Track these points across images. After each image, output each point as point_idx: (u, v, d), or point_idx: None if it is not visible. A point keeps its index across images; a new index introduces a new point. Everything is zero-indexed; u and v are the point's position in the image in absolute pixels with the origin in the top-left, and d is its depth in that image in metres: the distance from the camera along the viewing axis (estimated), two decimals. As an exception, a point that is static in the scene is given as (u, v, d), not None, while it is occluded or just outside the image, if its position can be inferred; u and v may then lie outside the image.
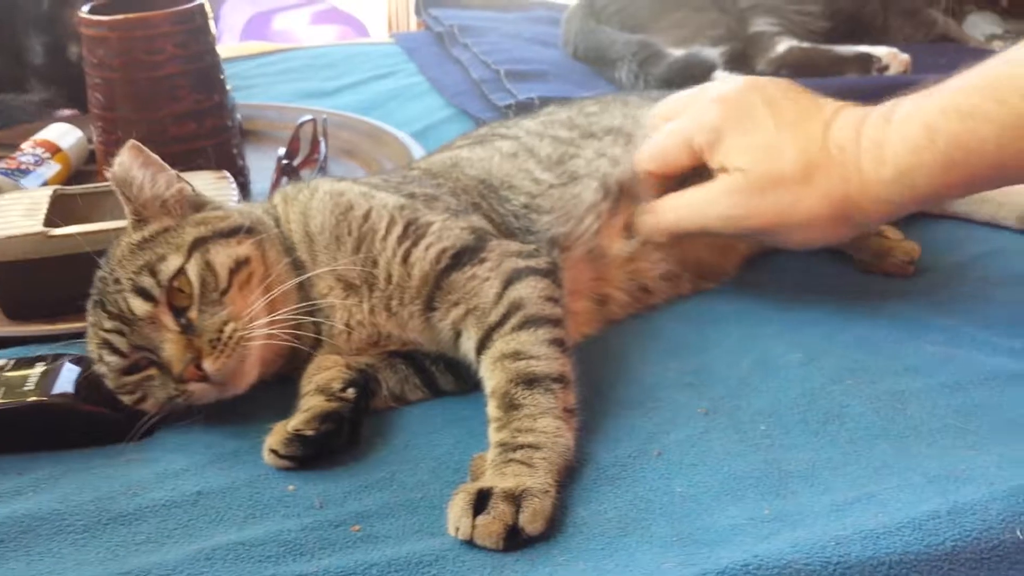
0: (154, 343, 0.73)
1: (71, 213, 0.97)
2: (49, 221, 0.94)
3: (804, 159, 0.80)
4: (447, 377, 0.80)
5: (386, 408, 0.79)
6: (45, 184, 1.18)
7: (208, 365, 0.72)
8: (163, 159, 1.11)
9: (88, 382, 0.76)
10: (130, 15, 1.13)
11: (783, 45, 1.63)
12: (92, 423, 0.75)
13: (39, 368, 0.77)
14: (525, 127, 1.02)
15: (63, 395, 0.74)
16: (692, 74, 1.47)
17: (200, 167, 1.10)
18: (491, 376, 0.73)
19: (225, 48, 1.28)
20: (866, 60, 1.56)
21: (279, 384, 0.80)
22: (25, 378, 0.75)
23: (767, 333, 0.87)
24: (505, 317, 0.75)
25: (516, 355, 0.73)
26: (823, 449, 0.72)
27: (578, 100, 1.16)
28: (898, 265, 0.97)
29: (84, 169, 1.28)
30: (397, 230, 0.80)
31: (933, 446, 0.72)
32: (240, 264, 0.76)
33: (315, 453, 0.71)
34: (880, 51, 1.57)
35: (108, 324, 0.74)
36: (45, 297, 0.93)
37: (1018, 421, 0.74)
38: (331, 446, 0.72)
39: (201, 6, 1.17)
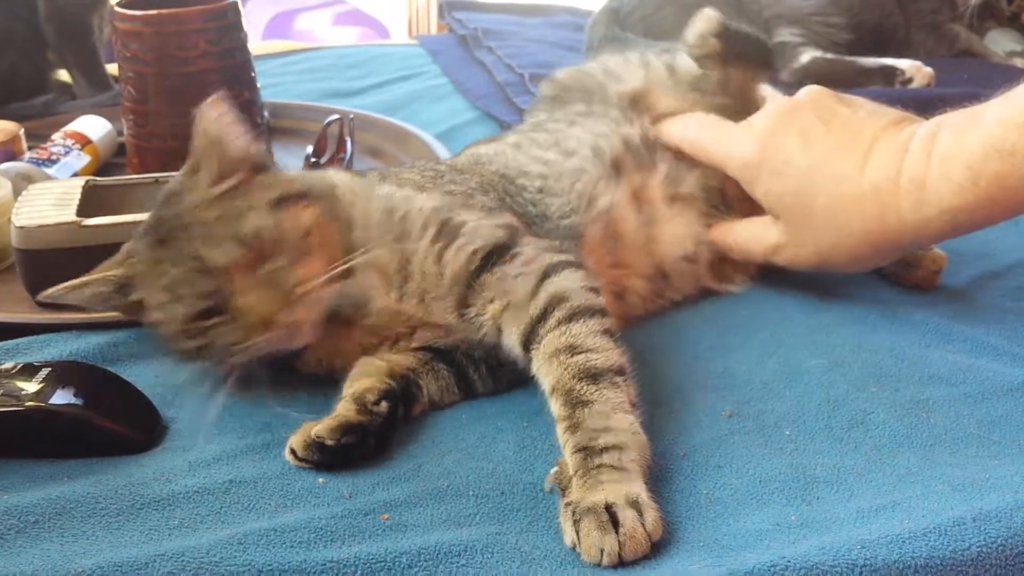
0: (231, 291, 0.73)
1: (102, 204, 0.99)
2: (82, 211, 0.95)
3: (838, 202, 0.82)
4: (487, 383, 0.81)
5: (421, 413, 0.79)
6: (75, 175, 1.19)
7: (282, 317, 0.73)
8: (194, 154, 1.15)
9: (97, 392, 0.76)
10: (163, 10, 1.15)
11: (807, 56, 1.64)
12: (95, 434, 0.74)
13: (43, 374, 0.76)
14: (520, 127, 1.06)
15: (65, 404, 0.73)
16: None
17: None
18: (548, 372, 0.72)
19: (251, 46, 1.29)
20: (890, 72, 1.57)
21: (313, 378, 0.82)
22: (27, 383, 0.75)
23: (791, 338, 0.88)
24: (547, 310, 0.75)
25: (572, 349, 0.72)
26: (848, 455, 0.72)
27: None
28: (925, 277, 0.97)
29: (113, 162, 1.30)
30: (431, 232, 0.81)
31: (957, 455, 0.72)
32: (308, 228, 0.77)
33: (333, 461, 0.71)
34: (904, 64, 1.58)
35: (176, 271, 0.74)
36: (76, 286, 0.94)
37: (1042, 433, 0.74)
38: (352, 456, 0.72)
39: (234, 4, 1.18)
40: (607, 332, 0.74)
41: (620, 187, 0.92)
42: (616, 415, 0.68)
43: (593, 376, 0.70)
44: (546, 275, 0.77)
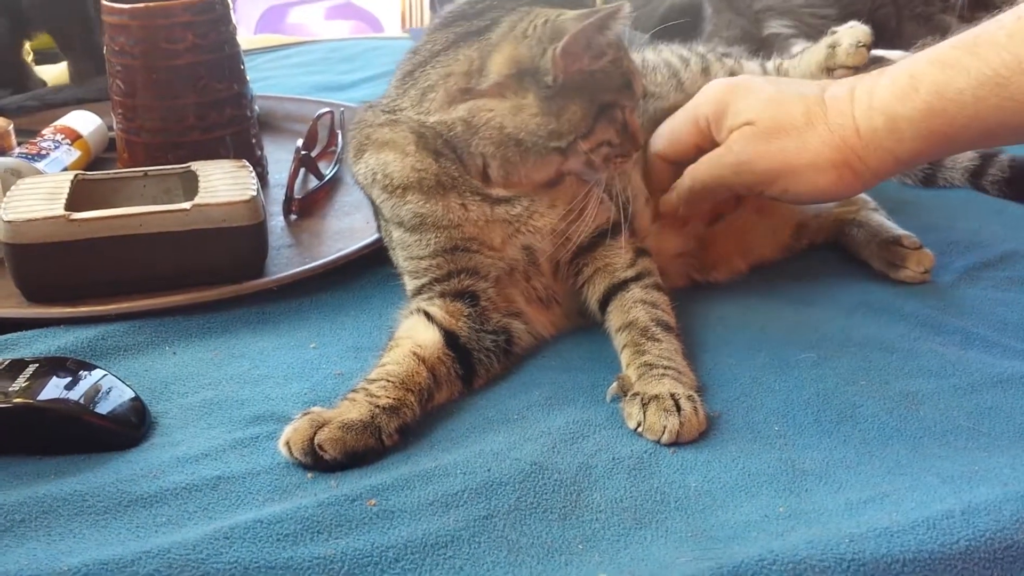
0: None
1: (92, 198, 0.98)
2: (70, 205, 0.94)
3: (804, 108, 0.85)
4: (491, 367, 0.83)
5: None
6: (65, 170, 1.19)
7: None
8: (183, 147, 1.15)
9: (85, 387, 0.75)
10: (151, 3, 1.14)
11: (798, 47, 1.62)
12: (83, 430, 0.73)
13: (31, 370, 0.76)
14: None
15: (53, 400, 0.73)
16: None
17: (220, 156, 1.11)
18: (629, 311, 0.84)
19: (242, 40, 1.28)
20: (880, 63, 1.57)
21: (302, 364, 0.83)
22: (15, 379, 0.74)
23: (779, 333, 0.88)
24: (639, 276, 0.87)
25: (654, 304, 0.85)
26: (837, 449, 0.72)
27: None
28: (912, 276, 0.97)
29: (104, 156, 1.29)
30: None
31: (946, 447, 0.72)
32: None
33: (326, 470, 0.70)
34: (895, 55, 1.57)
35: None
36: (65, 281, 0.93)
37: (1030, 424, 0.75)
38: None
39: (222, -5, 1.17)
40: (672, 307, 0.87)
41: (639, 177, 0.94)
42: (677, 356, 0.81)
43: (666, 327, 0.83)
44: (639, 254, 0.89)
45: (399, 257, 0.89)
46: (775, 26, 1.67)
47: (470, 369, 0.81)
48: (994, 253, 1.02)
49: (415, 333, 0.81)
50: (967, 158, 1.19)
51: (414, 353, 0.79)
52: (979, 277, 0.98)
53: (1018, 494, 0.64)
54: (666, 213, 0.94)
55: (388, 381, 0.75)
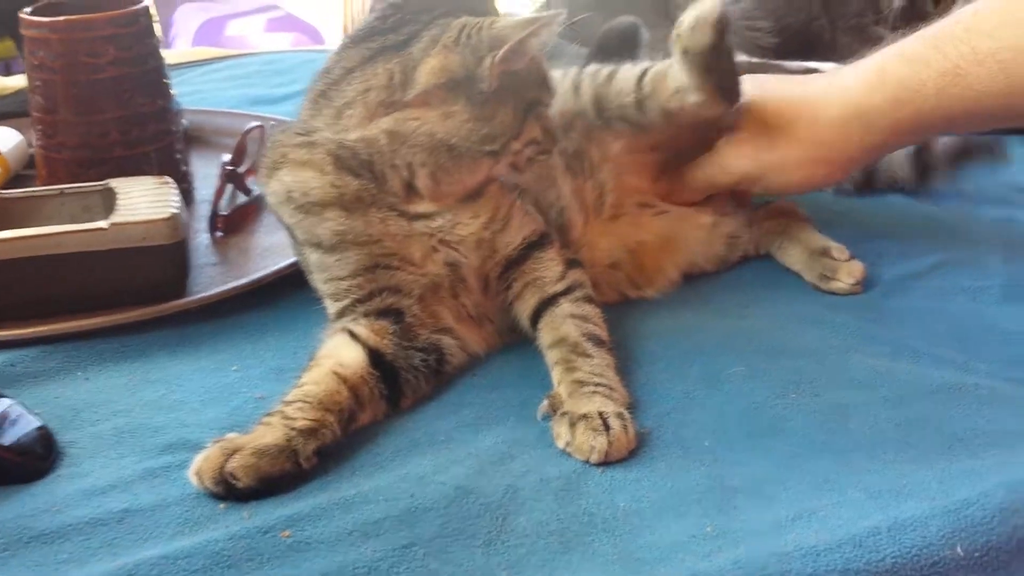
0: None
1: (7, 218, 0.95)
2: (-17, 226, 0.91)
3: (778, 112, 0.92)
4: (418, 388, 0.81)
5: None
6: (-19, 188, 1.15)
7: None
8: (105, 163, 1.11)
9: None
10: (72, 17, 1.11)
11: (734, 59, 1.63)
12: None
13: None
14: None
15: None
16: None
17: (143, 172, 1.08)
18: (559, 327, 0.83)
19: (176, 53, 1.25)
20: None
21: (221, 388, 0.81)
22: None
23: (712, 346, 0.87)
24: (570, 289, 0.86)
25: (584, 318, 0.83)
26: (766, 464, 0.71)
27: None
28: (843, 288, 0.97)
29: (24, 174, 1.25)
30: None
31: (875, 460, 0.72)
32: None
33: (240, 499, 0.68)
34: (827, 67, 1.58)
35: None
36: (-23, 303, 0.90)
37: (959, 435, 0.74)
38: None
39: (145, 8, 1.14)
40: (604, 320, 0.86)
41: (567, 184, 0.94)
42: (609, 371, 0.80)
43: (597, 341, 0.82)
44: (571, 265, 0.88)
45: (318, 280, 0.86)
46: (711, 38, 1.68)
47: (396, 389, 0.79)
48: (924, 264, 1.03)
49: (337, 352, 0.79)
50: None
51: (335, 372, 0.76)
52: (909, 287, 0.98)
53: (945, 509, 0.64)
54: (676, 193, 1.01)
55: (305, 402, 0.73)
